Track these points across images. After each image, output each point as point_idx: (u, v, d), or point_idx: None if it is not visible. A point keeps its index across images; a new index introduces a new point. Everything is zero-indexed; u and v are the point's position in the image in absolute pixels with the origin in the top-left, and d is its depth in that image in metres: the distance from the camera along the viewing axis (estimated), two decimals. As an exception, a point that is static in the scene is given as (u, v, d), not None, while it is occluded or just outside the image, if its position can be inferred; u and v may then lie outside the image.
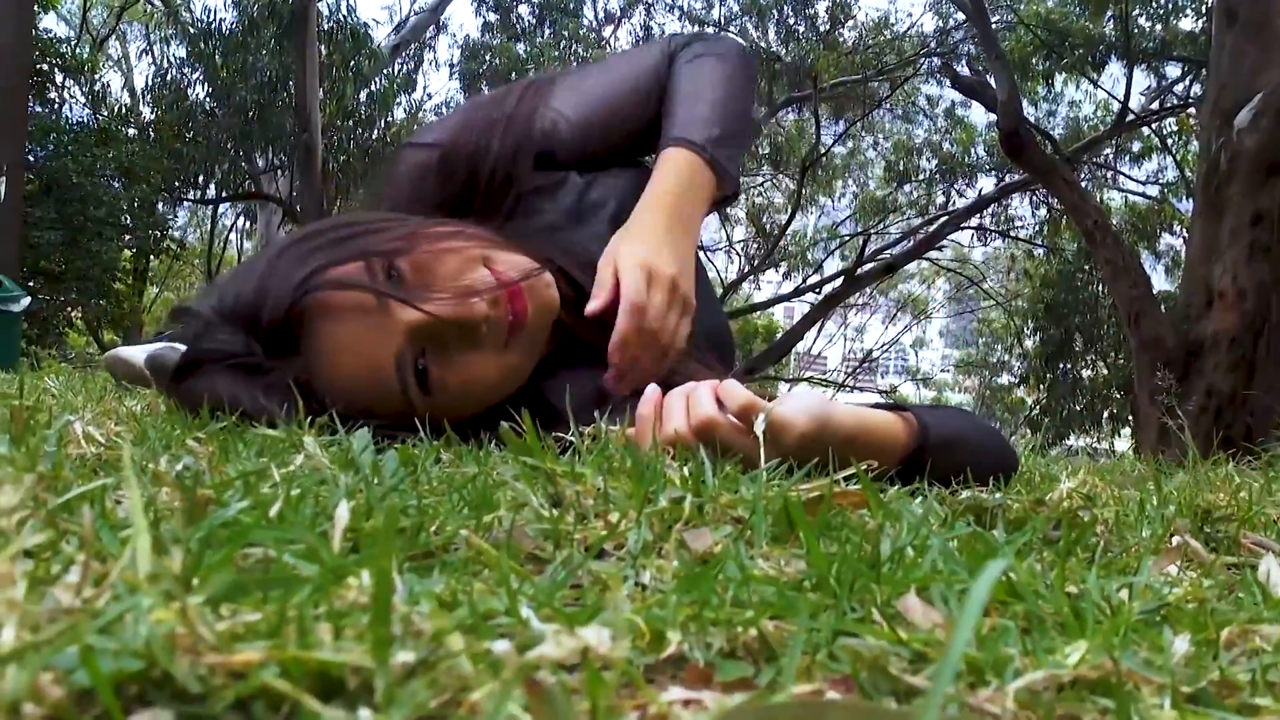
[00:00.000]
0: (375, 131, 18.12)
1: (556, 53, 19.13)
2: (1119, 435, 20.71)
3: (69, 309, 16.85)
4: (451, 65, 21.03)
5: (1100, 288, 18.19)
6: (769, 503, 0.79)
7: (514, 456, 0.94)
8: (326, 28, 17.31)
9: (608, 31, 22.02)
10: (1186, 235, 14.33)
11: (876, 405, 1.45)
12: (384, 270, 1.43)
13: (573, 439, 1.18)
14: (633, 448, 1.02)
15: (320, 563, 0.53)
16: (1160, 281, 18.34)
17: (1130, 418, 16.65)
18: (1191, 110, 17.46)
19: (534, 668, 0.36)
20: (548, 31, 20.42)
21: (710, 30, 20.14)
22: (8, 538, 0.41)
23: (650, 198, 1.63)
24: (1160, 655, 0.52)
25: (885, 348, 30.97)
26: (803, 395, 1.30)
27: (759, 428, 1.18)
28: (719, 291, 22.26)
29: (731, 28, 20.41)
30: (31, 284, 13.61)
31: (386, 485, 0.78)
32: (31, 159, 14.34)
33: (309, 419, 1.21)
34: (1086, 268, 18.47)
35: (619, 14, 21.65)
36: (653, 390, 1.34)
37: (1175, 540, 0.89)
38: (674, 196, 1.63)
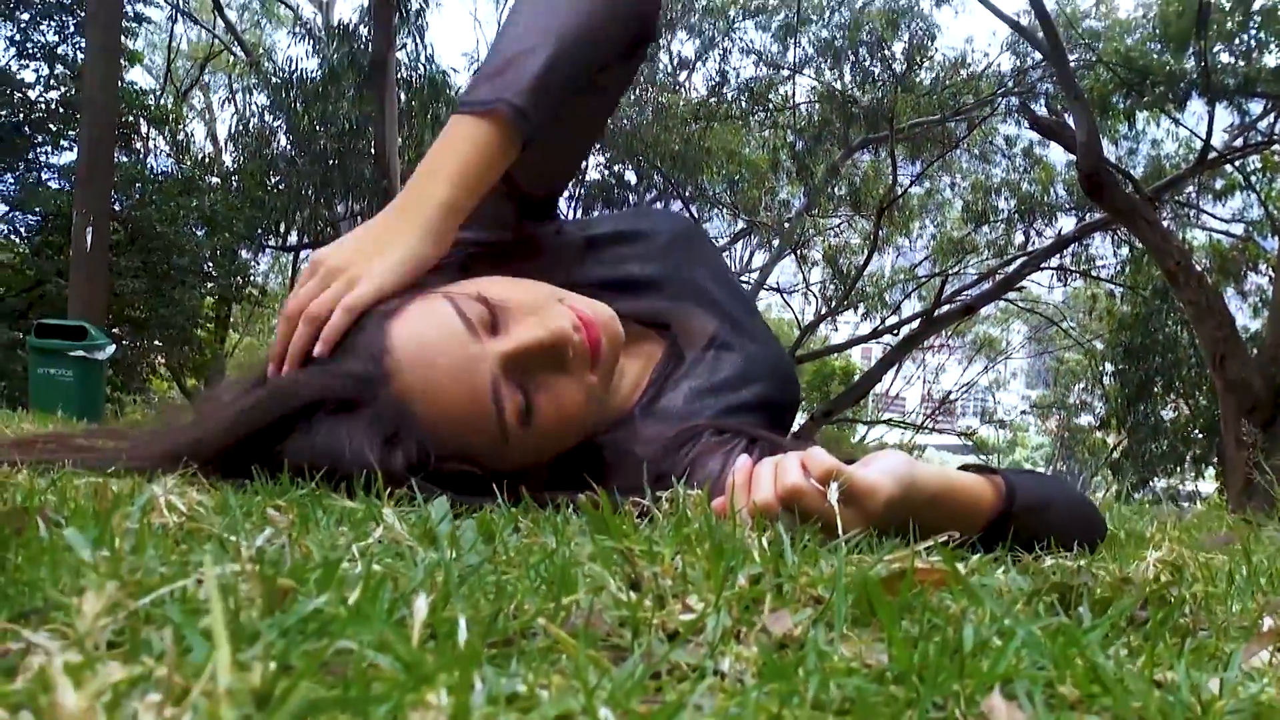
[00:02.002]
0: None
1: (633, 97, 19.21)
2: (1203, 477, 20.39)
3: (152, 355, 17.13)
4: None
5: (1180, 329, 17.95)
6: (849, 581, 0.78)
7: (591, 532, 0.93)
8: (405, 75, 17.54)
9: (683, 76, 22.13)
10: (1273, 274, 14.11)
11: (964, 467, 1.44)
12: (473, 303, 1.44)
13: (649, 504, 1.18)
14: (713, 519, 1.01)
15: (400, 659, 0.53)
16: (1245, 320, 18.06)
17: (1216, 459, 16.38)
18: (1276, 146, 17.24)
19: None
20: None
21: (785, 72, 20.23)
22: (91, 661, 0.42)
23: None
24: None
25: (963, 390, 30.71)
26: (887, 457, 1.29)
27: (833, 496, 1.17)
28: (794, 333, 22.21)
29: (807, 70, 20.45)
30: (116, 331, 13.88)
31: (465, 565, 0.78)
32: (117, 208, 14.64)
33: (388, 490, 1.21)
34: (1165, 307, 18.24)
35: (694, 59, 21.74)
36: (744, 460, 1.33)
37: (1267, 623, 0.87)
38: (405, 189, 1.60)
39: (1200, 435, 19.05)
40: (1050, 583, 0.90)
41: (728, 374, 1.79)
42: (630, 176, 20.50)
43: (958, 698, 0.55)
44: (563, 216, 1.90)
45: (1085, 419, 28.09)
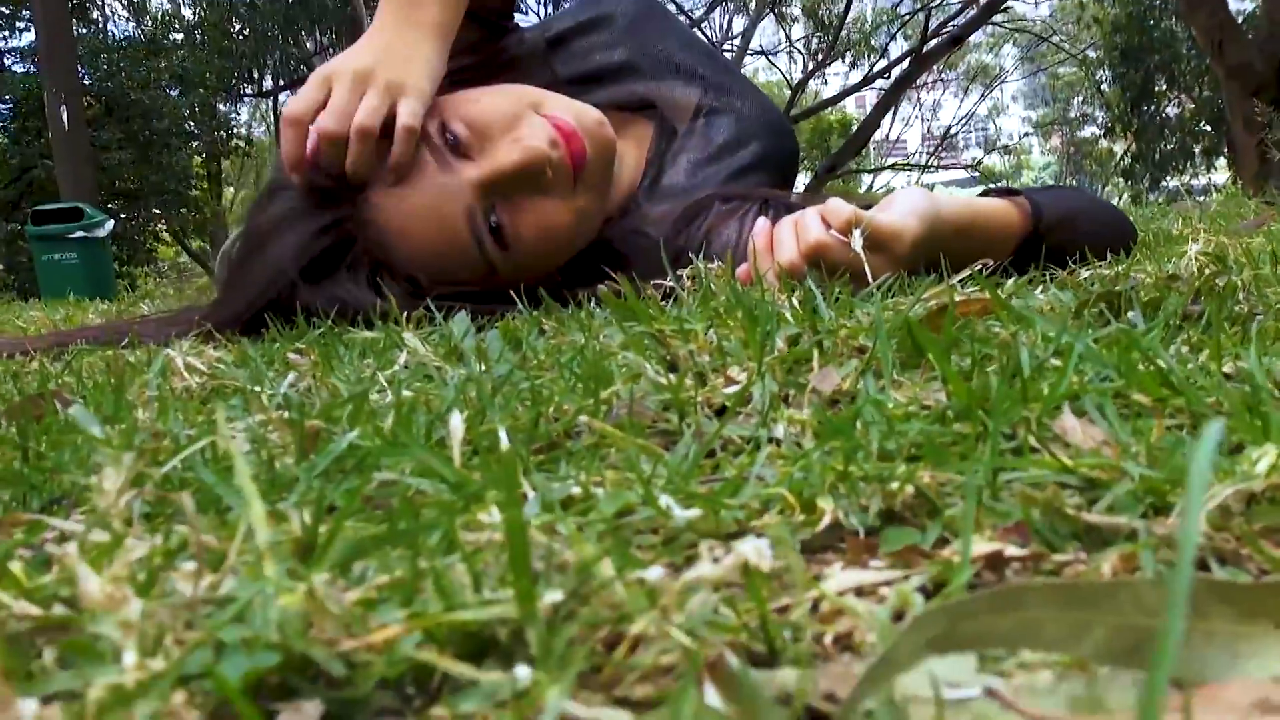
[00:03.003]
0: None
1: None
2: (1214, 169, 20.27)
3: (152, 224, 17.06)
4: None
5: (1175, 21, 17.63)
6: (890, 326, 0.75)
7: (618, 321, 0.91)
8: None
9: None
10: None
11: (985, 192, 1.40)
12: (440, 134, 1.39)
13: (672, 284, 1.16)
14: (739, 288, 0.98)
15: (444, 481, 0.51)
16: (1238, 3, 17.67)
17: (1226, 150, 16.24)
18: None
19: (691, 590, 0.33)
20: None
21: None
22: (117, 538, 0.39)
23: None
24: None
25: (963, 122, 30.32)
26: (908, 196, 1.25)
27: (857, 244, 1.14)
28: (784, 93, 21.88)
29: None
30: (111, 205, 13.77)
31: (495, 376, 0.76)
32: (87, 82, 14.39)
33: (404, 314, 1.19)
34: (1157, 4, 17.88)
35: None
36: (763, 223, 1.30)
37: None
38: (392, 9, 1.49)
39: (1207, 128, 18.87)
40: (1095, 294, 0.87)
41: (723, 138, 1.74)
42: None
43: (1027, 423, 0.53)
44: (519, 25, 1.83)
45: (1089, 130, 27.82)
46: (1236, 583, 0.30)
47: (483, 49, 1.69)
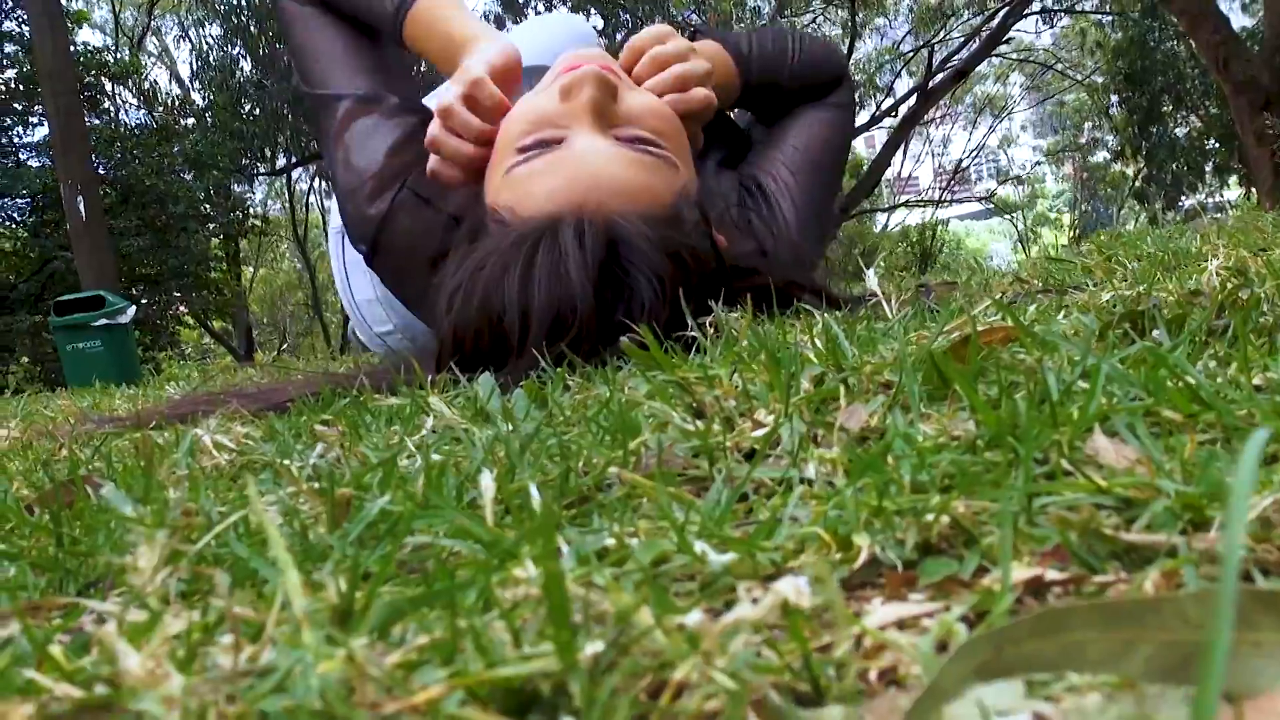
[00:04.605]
0: (423, 64, 17.90)
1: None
2: (1227, 186, 20.23)
3: (173, 307, 17.19)
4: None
5: (1177, 42, 17.66)
6: (915, 359, 0.75)
7: (642, 371, 0.91)
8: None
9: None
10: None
11: (693, 35, 1.78)
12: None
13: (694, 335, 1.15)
14: (761, 337, 0.98)
15: (479, 540, 0.51)
16: (1239, 21, 17.70)
17: (1239, 165, 16.22)
18: None
19: (732, 633, 0.33)
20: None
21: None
22: (155, 615, 0.39)
23: None
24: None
25: (974, 155, 30.31)
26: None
27: None
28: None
29: None
30: (132, 292, 13.88)
31: (523, 435, 0.75)
32: (101, 171, 14.54)
33: (430, 378, 1.18)
34: (1157, 25, 17.91)
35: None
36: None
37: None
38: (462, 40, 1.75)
39: (1217, 145, 18.85)
40: (1118, 315, 0.87)
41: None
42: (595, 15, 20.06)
43: (1059, 447, 0.53)
44: None
45: (1101, 155, 27.80)
46: (1282, 592, 0.30)
47: None
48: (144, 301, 15.10)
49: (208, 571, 0.49)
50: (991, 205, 29.88)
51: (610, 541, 0.49)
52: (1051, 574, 0.40)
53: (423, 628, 0.37)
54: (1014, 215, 31.65)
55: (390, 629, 0.37)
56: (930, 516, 0.46)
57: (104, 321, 7.40)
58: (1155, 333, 0.80)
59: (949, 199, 28.77)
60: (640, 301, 1.28)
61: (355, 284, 2.11)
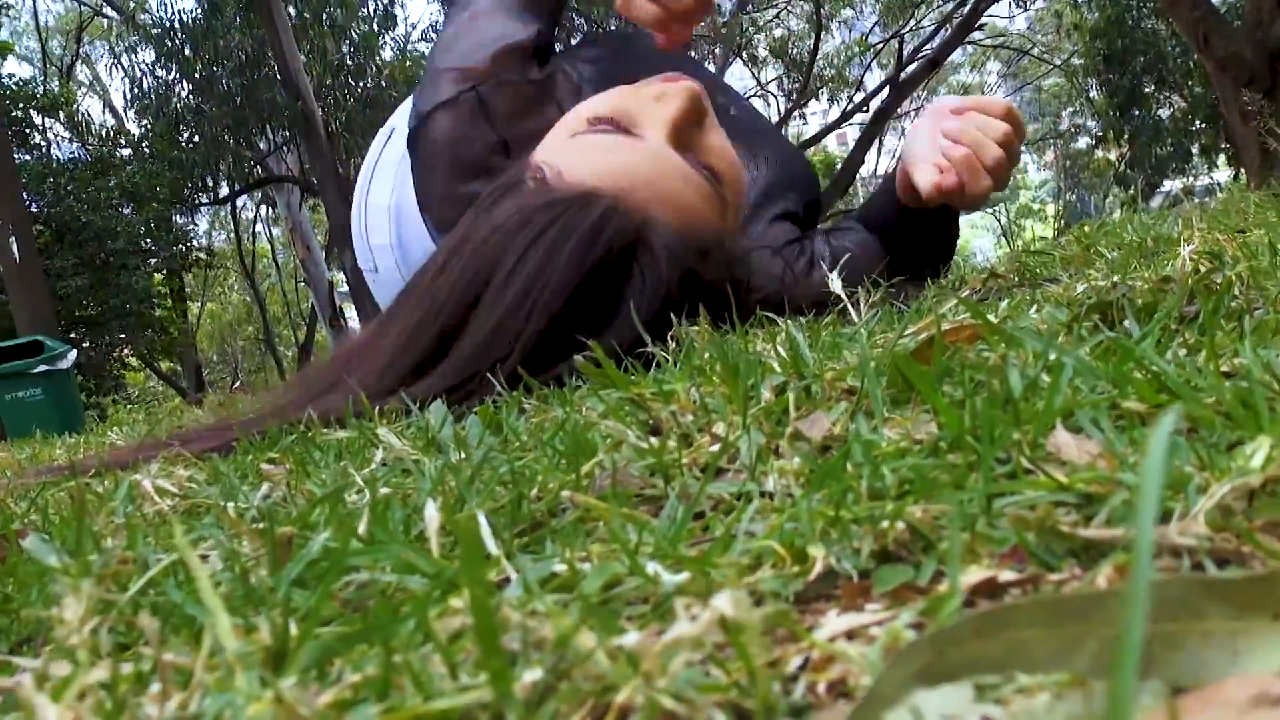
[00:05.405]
0: (368, 79, 17.91)
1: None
2: (1216, 167, 20.34)
3: (118, 349, 17.07)
4: (426, -13, 20.68)
5: (1156, 21, 17.77)
6: (878, 363, 0.76)
7: (595, 390, 0.91)
8: (287, -15, 17.11)
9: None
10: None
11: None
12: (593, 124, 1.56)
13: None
14: (720, 346, 0.98)
15: (423, 574, 0.51)
16: (1219, -7, 17.83)
17: (1226, 145, 16.33)
18: None
19: (674, 652, 0.34)
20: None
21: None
22: (78, 668, 0.39)
23: None
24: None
25: (951, 147, 30.32)
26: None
27: None
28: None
29: None
30: (72, 335, 13.79)
31: (474, 463, 0.76)
32: (34, 209, 14.47)
33: (376, 410, 1.19)
34: (1136, 3, 18.03)
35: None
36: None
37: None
38: None
39: (1203, 125, 18.96)
40: (1087, 305, 0.88)
41: (759, 189, 1.92)
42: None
43: (1020, 446, 0.53)
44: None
45: (1083, 141, 27.94)
46: (1231, 578, 0.30)
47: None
48: (85, 345, 15.03)
49: (138, 621, 0.49)
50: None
51: (561, 567, 0.50)
52: (1006, 575, 0.41)
53: (357, 665, 0.37)
54: (995, 209, 31.80)
55: (326, 668, 0.38)
56: (885, 524, 0.47)
57: (44, 368, 7.37)
58: (1126, 323, 0.81)
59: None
60: (620, 313, 1.29)
61: (375, 186, 2.13)
